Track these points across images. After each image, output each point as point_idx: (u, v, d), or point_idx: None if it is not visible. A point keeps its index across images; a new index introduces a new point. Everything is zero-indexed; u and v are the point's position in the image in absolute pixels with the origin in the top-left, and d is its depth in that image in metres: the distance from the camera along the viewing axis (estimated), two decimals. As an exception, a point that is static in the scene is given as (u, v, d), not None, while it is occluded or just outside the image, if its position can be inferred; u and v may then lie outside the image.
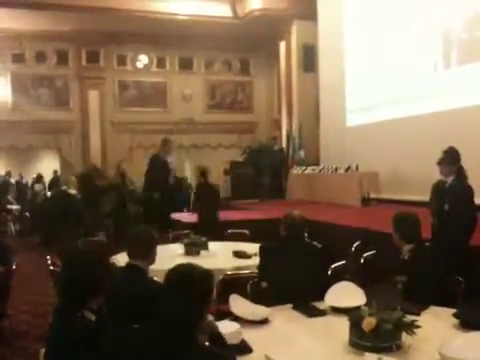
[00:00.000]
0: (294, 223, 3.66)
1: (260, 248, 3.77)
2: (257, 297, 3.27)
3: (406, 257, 3.35)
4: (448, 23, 9.33)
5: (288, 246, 3.58)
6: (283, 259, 3.46)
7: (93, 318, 2.36)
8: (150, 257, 3.13)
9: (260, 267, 3.69)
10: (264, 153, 13.57)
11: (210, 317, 2.14)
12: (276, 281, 3.39)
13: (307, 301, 3.04)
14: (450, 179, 4.40)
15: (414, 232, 3.43)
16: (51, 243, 8.40)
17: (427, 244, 3.69)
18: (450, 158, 4.42)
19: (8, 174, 14.90)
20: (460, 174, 4.39)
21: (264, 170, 13.18)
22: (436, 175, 4.69)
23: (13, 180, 14.93)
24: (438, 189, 4.52)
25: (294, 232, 3.63)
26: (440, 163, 4.46)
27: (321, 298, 3.01)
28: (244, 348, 2.36)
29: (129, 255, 3.16)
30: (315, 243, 3.88)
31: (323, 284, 3.17)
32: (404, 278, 3.14)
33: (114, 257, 4.53)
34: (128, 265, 3.13)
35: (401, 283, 3.13)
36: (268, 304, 2.97)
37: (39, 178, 14.49)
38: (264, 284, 3.50)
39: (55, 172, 15.12)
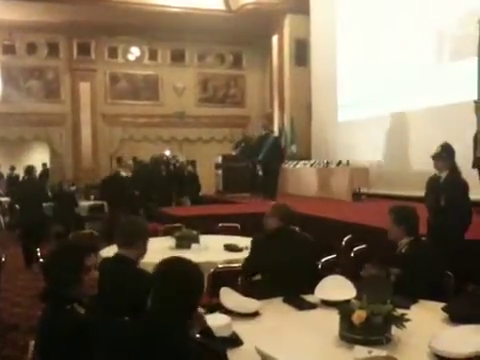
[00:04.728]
0: (289, 213, 3.69)
1: (253, 241, 3.77)
2: (248, 290, 3.27)
3: (403, 250, 3.36)
4: (441, 19, 9.35)
5: (284, 236, 3.59)
6: (278, 249, 3.47)
7: (82, 311, 2.36)
8: (139, 247, 3.08)
9: (250, 260, 3.68)
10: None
11: (200, 309, 2.14)
12: (271, 272, 3.40)
13: (300, 291, 3.06)
14: (444, 174, 4.43)
15: (416, 225, 3.45)
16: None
17: (423, 239, 3.70)
18: (445, 153, 4.44)
19: (-3, 166, 14.78)
20: (454, 169, 4.42)
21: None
22: (426, 170, 4.71)
23: (4, 172, 14.79)
24: (433, 184, 4.54)
25: (289, 222, 3.66)
26: (435, 157, 4.48)
27: (313, 288, 3.03)
28: (234, 341, 2.36)
29: (118, 245, 3.13)
30: (307, 235, 3.90)
31: (315, 275, 3.19)
32: (398, 271, 3.16)
33: (103, 250, 4.51)
34: (116, 255, 3.11)
35: (395, 276, 3.14)
36: (260, 297, 2.98)
37: (28, 170, 14.33)
38: (258, 277, 3.51)
39: (44, 165, 14.99)
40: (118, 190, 9.09)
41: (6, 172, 14.91)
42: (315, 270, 3.48)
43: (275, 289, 3.14)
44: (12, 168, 14.80)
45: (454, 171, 4.43)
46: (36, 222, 8.60)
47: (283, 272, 3.32)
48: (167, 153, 13.23)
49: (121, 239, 3.12)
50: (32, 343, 2.38)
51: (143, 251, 3.11)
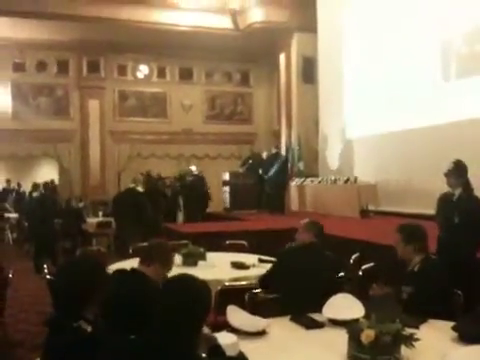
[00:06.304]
0: (323, 233, 3.70)
1: (281, 252, 3.76)
2: (255, 308, 3.25)
3: (415, 269, 3.32)
4: (448, 36, 9.38)
5: (313, 251, 3.58)
6: (304, 260, 3.48)
7: (89, 329, 2.34)
8: (156, 268, 3.12)
9: (272, 273, 3.65)
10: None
11: (207, 329, 2.12)
12: (292, 280, 3.38)
13: (312, 308, 3.03)
14: (458, 191, 4.37)
15: (426, 243, 3.43)
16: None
17: (433, 257, 3.66)
18: (459, 170, 4.39)
19: (7, 182, 14.85)
20: (467, 186, 4.38)
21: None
22: (434, 188, 4.67)
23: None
24: (446, 202, 4.49)
25: (322, 241, 3.65)
26: (448, 175, 4.42)
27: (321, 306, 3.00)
28: (241, 360, 2.33)
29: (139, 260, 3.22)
30: (334, 255, 3.87)
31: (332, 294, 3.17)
32: (410, 289, 3.13)
33: (111, 266, 4.51)
34: (131, 269, 3.14)
35: (407, 294, 3.11)
36: (273, 313, 2.96)
37: (35, 187, 14.41)
38: (272, 295, 3.49)
39: (52, 181, 15.01)
40: (132, 203, 9.12)
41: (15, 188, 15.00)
42: (334, 290, 3.44)
43: (289, 303, 3.11)
44: (19, 185, 14.89)
45: (467, 188, 4.38)
46: (46, 238, 8.66)
47: (303, 282, 3.30)
48: (193, 168, 13.22)
49: (141, 255, 3.23)
50: (37, 361, 2.36)
51: (160, 274, 3.11)
